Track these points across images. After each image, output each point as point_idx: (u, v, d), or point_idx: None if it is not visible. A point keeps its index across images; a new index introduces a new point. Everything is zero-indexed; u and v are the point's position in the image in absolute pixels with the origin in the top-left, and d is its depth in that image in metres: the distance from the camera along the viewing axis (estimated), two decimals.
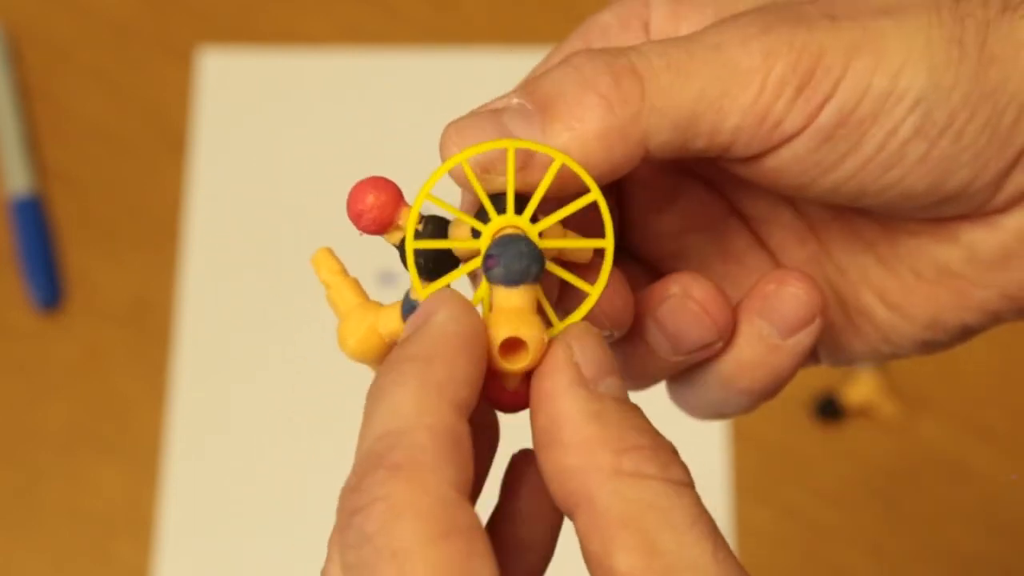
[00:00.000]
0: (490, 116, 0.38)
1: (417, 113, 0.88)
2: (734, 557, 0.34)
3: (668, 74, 0.38)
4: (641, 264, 0.45)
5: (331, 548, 0.35)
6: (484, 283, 0.37)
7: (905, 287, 0.43)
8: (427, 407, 0.33)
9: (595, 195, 0.37)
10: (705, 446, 0.81)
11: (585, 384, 0.35)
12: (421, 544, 0.32)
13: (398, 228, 0.38)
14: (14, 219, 0.87)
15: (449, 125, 0.38)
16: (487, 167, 0.37)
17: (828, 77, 0.38)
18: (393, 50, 0.91)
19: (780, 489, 0.81)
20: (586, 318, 0.37)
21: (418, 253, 0.37)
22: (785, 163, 0.39)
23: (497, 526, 0.37)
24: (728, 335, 0.41)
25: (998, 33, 0.38)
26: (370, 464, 0.33)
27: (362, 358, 0.38)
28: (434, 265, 0.38)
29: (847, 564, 0.79)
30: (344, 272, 0.39)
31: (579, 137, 0.37)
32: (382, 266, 0.80)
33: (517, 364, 0.36)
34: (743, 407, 0.43)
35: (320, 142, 0.88)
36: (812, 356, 0.45)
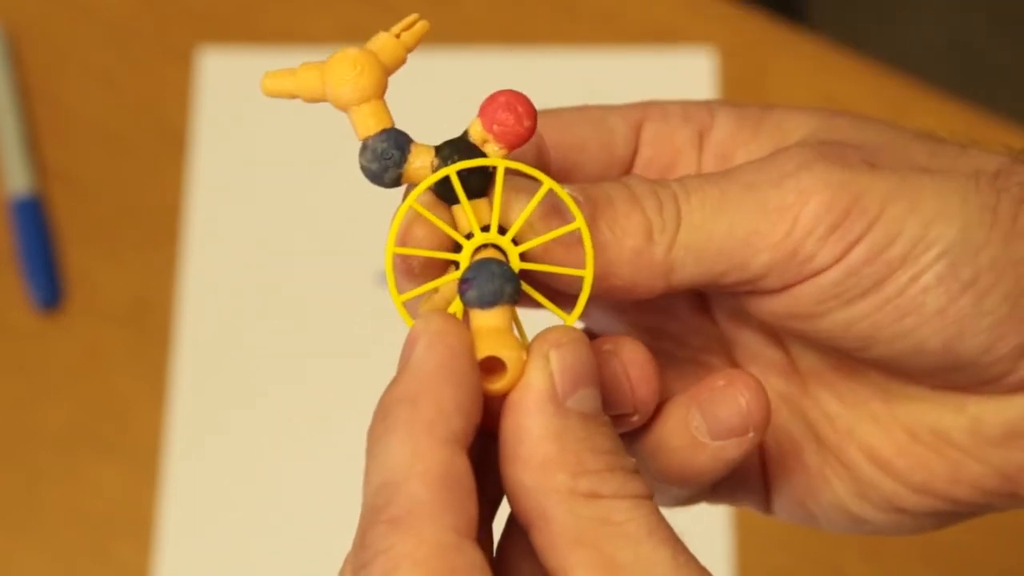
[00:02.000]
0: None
1: (417, 113, 0.88)
2: (696, 561, 0.34)
3: (701, 212, 0.38)
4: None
5: None
6: (457, 300, 0.37)
7: (897, 447, 0.42)
8: (419, 453, 0.33)
9: (579, 223, 0.37)
10: None
11: (554, 399, 0.35)
12: None
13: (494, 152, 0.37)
14: (14, 219, 0.87)
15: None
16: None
17: (863, 218, 0.38)
18: None
19: None
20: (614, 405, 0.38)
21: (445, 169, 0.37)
22: (806, 294, 0.39)
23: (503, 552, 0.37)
24: (645, 411, 0.40)
25: None
26: (371, 519, 0.34)
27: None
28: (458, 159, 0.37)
29: (847, 564, 0.79)
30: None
31: (617, 243, 0.38)
32: (381, 267, 0.79)
33: (497, 384, 0.36)
34: (665, 496, 0.42)
35: (320, 142, 0.88)
36: (764, 505, 0.44)
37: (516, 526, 0.37)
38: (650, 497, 0.35)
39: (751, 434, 0.40)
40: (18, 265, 0.87)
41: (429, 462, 0.33)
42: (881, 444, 0.42)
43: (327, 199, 0.88)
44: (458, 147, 0.37)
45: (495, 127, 0.37)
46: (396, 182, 0.38)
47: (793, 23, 0.93)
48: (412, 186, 0.38)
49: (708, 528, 0.79)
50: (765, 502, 0.45)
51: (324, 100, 0.38)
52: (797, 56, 0.90)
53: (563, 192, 0.37)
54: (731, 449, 0.40)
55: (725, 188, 0.39)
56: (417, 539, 0.33)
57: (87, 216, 0.89)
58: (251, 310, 0.85)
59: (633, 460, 0.36)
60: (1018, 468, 0.41)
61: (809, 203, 0.38)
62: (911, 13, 1.60)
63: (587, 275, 0.37)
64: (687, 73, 0.89)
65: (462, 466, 0.34)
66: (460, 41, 0.91)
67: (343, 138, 0.40)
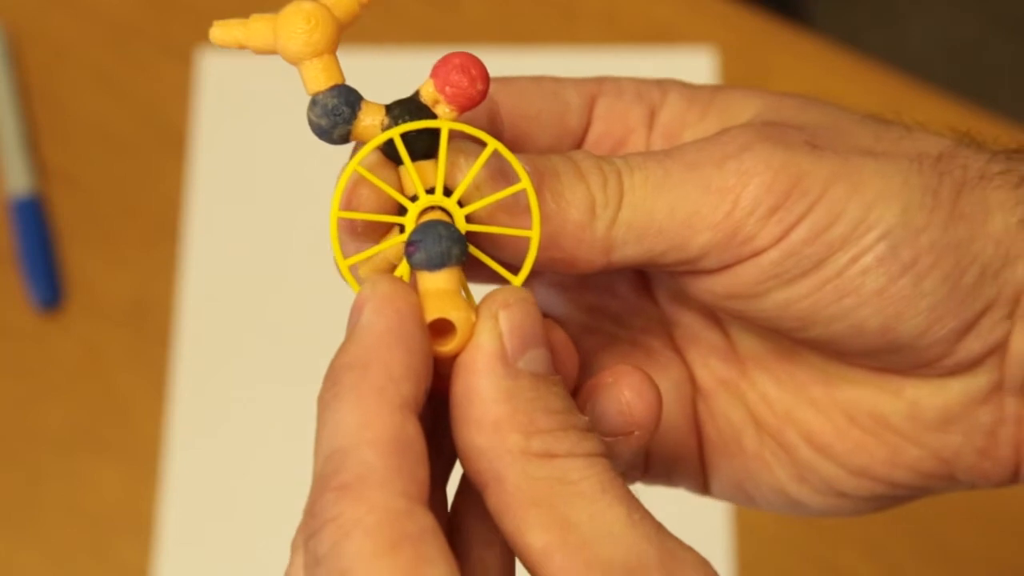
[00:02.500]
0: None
1: None
2: (651, 518, 0.34)
3: (643, 190, 0.38)
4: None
5: (293, 554, 0.35)
6: (404, 263, 0.37)
7: (836, 430, 0.42)
8: (369, 419, 0.33)
9: (525, 184, 0.37)
10: None
11: (504, 359, 0.35)
12: (368, 560, 0.32)
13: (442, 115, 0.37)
14: (14, 219, 0.87)
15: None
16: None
17: (804, 199, 0.38)
18: (393, 50, 0.91)
19: None
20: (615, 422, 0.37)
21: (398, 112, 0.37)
22: (746, 274, 0.39)
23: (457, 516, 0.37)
24: (647, 429, 0.39)
25: (971, 196, 0.39)
26: (321, 487, 0.33)
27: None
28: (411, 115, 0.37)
29: (846, 564, 0.79)
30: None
31: (560, 215, 0.38)
32: None
33: (447, 346, 0.35)
34: None
35: (320, 142, 0.88)
36: (701, 487, 0.44)
37: (469, 488, 0.37)
38: (604, 455, 0.35)
39: (636, 433, 0.39)
40: (18, 265, 0.87)
41: (379, 428, 0.33)
42: (820, 428, 0.42)
43: (327, 199, 0.88)
44: (408, 107, 0.37)
45: (448, 89, 0.37)
46: (344, 139, 0.37)
47: (793, 23, 0.93)
48: (360, 145, 0.38)
49: (708, 528, 0.79)
50: (702, 484, 0.45)
51: (274, 53, 0.37)
52: (797, 56, 0.90)
53: (508, 153, 0.37)
54: (620, 445, 0.39)
55: (668, 167, 0.39)
56: (367, 505, 0.32)
57: (87, 216, 0.89)
58: (251, 310, 0.85)
59: (586, 419, 0.36)
60: (954, 452, 0.41)
61: (750, 184, 0.38)
62: (911, 13, 1.60)
63: (534, 236, 0.37)
64: (687, 73, 0.89)
65: (412, 431, 0.34)
66: (460, 41, 0.91)
67: None
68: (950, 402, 0.41)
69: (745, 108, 0.42)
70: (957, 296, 0.39)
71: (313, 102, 0.37)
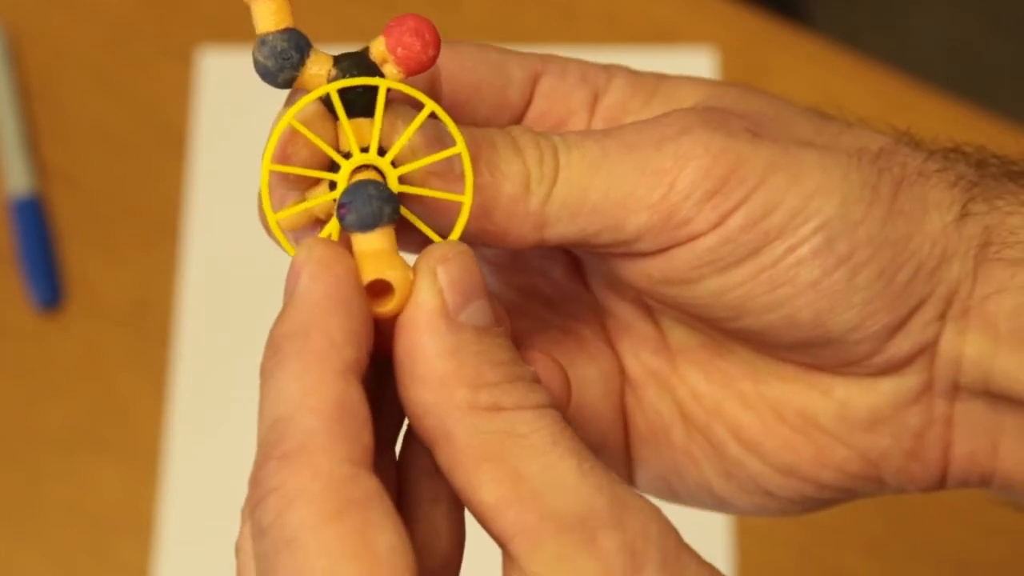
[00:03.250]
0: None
1: None
2: (602, 467, 0.34)
3: (580, 168, 0.38)
4: None
5: (243, 524, 0.35)
6: (333, 220, 0.36)
7: (764, 427, 0.42)
8: (310, 386, 0.33)
9: (460, 148, 0.37)
10: None
11: (445, 314, 0.35)
12: (313, 527, 0.32)
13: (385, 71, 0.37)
14: (14, 219, 0.87)
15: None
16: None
17: (742, 186, 0.38)
18: None
19: None
20: None
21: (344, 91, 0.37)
22: (681, 259, 0.39)
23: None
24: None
25: (910, 192, 0.39)
26: (263, 456, 0.33)
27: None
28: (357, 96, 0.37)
29: (845, 563, 0.79)
30: None
31: (494, 187, 0.38)
32: None
33: (386, 307, 0.35)
34: None
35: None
36: (625, 478, 0.44)
37: (412, 446, 0.37)
38: (553, 406, 0.35)
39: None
40: (18, 265, 0.87)
41: (321, 394, 0.33)
42: (748, 424, 0.42)
43: None
44: (356, 62, 0.37)
45: (399, 50, 0.37)
46: (288, 84, 0.37)
47: (793, 23, 0.93)
48: (296, 96, 0.37)
49: (708, 528, 0.79)
50: (627, 476, 0.44)
51: None
52: (797, 56, 0.90)
53: (446, 116, 0.37)
54: None
55: (606, 146, 0.39)
56: (310, 472, 0.32)
57: (87, 216, 0.89)
58: (251, 310, 0.85)
59: (532, 369, 0.36)
60: (882, 453, 0.41)
61: (687, 168, 0.38)
62: (911, 13, 1.60)
63: (466, 200, 0.37)
64: (687, 72, 0.89)
65: (356, 395, 0.33)
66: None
67: None
68: (879, 402, 0.41)
69: (689, 95, 0.41)
70: (891, 292, 0.39)
71: (262, 42, 0.37)
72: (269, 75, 0.37)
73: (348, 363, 0.34)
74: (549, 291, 0.44)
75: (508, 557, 0.33)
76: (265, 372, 0.34)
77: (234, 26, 0.93)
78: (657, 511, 0.34)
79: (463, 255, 0.36)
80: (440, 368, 0.34)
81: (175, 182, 0.89)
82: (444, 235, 0.37)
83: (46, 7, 0.94)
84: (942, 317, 0.39)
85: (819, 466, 0.42)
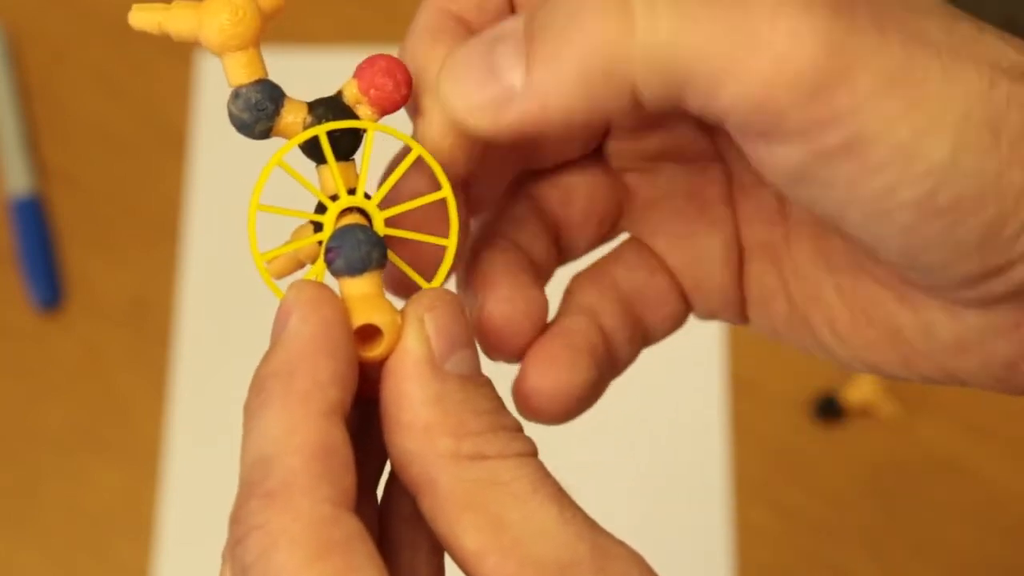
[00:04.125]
0: (484, 55, 0.36)
1: None
2: (583, 515, 0.34)
3: (670, 18, 0.34)
4: (605, 171, 0.43)
5: (223, 565, 0.35)
6: (320, 262, 0.36)
7: (855, 325, 0.41)
8: (294, 426, 0.33)
9: (445, 193, 0.37)
10: (705, 446, 0.81)
11: (431, 362, 0.35)
12: (297, 568, 0.32)
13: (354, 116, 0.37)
14: (14, 219, 0.87)
15: (445, 70, 0.36)
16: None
17: (852, 96, 0.33)
18: (393, 50, 0.91)
19: (780, 489, 0.81)
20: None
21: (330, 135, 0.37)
22: (775, 156, 0.35)
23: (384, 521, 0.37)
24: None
25: None
26: (246, 494, 0.34)
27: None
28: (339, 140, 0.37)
29: (846, 564, 0.79)
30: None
31: (556, 75, 0.34)
32: None
33: (374, 351, 0.35)
34: None
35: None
36: (741, 319, 0.43)
37: (394, 492, 0.37)
38: (534, 454, 0.35)
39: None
40: (18, 265, 0.87)
41: (304, 435, 0.33)
42: (840, 317, 0.41)
43: None
44: (331, 107, 0.37)
45: (372, 91, 0.37)
46: (265, 135, 0.37)
47: None
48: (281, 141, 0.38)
49: (708, 528, 0.79)
50: (741, 317, 0.44)
51: (196, 42, 0.37)
52: None
53: (432, 160, 0.37)
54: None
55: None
56: (293, 513, 0.32)
57: (87, 216, 0.89)
58: (251, 310, 0.85)
59: (515, 419, 0.36)
60: (971, 375, 0.40)
61: (798, 55, 0.33)
62: None
63: (450, 245, 0.37)
64: None
65: (339, 437, 0.33)
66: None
67: None
68: (964, 332, 0.39)
69: None
70: (993, 245, 0.35)
71: (235, 95, 0.37)
72: (245, 127, 0.38)
73: (333, 405, 0.34)
74: (678, 150, 0.43)
75: None
76: (249, 410, 0.35)
77: None
78: (639, 558, 0.34)
79: (451, 304, 0.36)
80: (424, 416, 0.34)
81: (175, 182, 0.89)
82: (431, 269, 0.38)
83: (46, 7, 0.94)
84: None
85: (906, 371, 0.41)
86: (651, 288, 0.43)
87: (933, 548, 0.80)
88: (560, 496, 0.34)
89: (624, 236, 0.44)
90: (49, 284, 0.86)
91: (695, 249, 0.42)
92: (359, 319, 0.35)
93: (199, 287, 0.86)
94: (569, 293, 0.42)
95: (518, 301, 0.40)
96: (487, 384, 0.36)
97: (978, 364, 0.39)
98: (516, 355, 0.40)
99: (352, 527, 0.33)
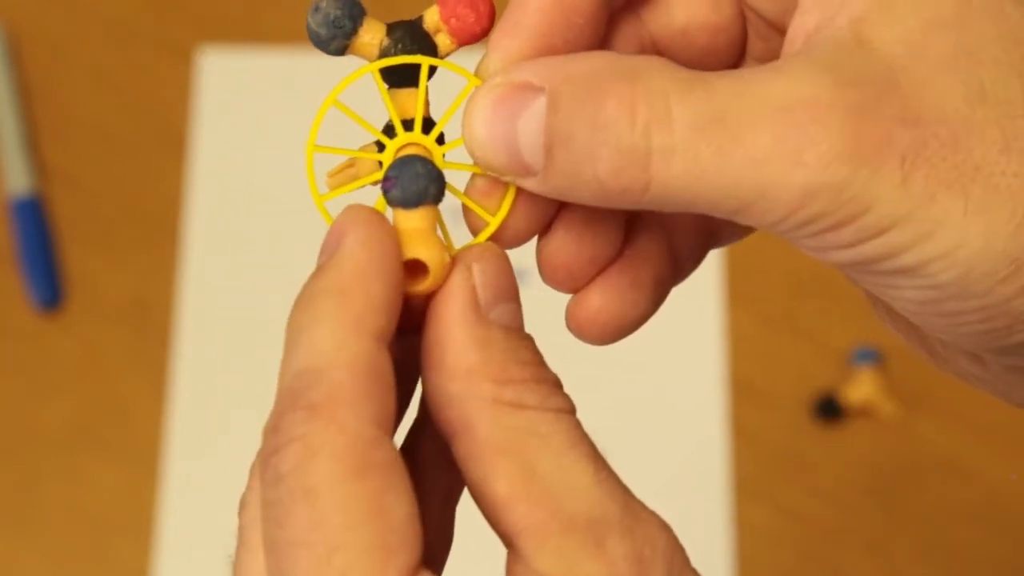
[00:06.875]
0: (508, 120, 0.35)
1: None
2: (617, 478, 0.34)
3: (684, 163, 0.33)
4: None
5: (251, 479, 0.35)
6: (381, 196, 0.36)
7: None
8: (346, 342, 0.33)
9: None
10: (705, 445, 0.81)
11: (477, 309, 0.35)
12: (334, 482, 0.32)
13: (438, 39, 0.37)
14: (14, 219, 0.87)
15: (470, 110, 0.35)
16: None
17: (867, 230, 0.33)
18: None
19: (780, 489, 0.81)
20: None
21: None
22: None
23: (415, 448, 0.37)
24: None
25: None
26: (287, 404, 0.33)
27: None
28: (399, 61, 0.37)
29: (846, 563, 0.79)
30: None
31: (572, 188, 0.35)
32: None
33: (419, 286, 0.35)
34: None
35: (320, 142, 0.88)
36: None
37: (414, 439, 0.37)
38: (573, 412, 0.35)
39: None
40: (18, 265, 0.87)
41: (356, 351, 0.33)
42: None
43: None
44: (410, 31, 0.37)
45: (453, 20, 0.37)
46: (340, 52, 0.37)
47: None
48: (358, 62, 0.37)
49: (708, 528, 0.79)
50: None
51: None
52: None
53: None
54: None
55: (737, 113, 0.33)
56: (337, 428, 0.32)
57: (87, 216, 0.89)
58: (251, 310, 0.85)
59: (556, 376, 0.35)
60: (982, 384, 0.40)
61: (812, 161, 0.32)
62: None
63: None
64: None
65: (386, 362, 0.33)
66: None
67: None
68: (984, 372, 0.38)
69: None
70: (997, 336, 0.35)
71: (316, 8, 0.36)
72: (321, 43, 0.37)
73: (381, 329, 0.34)
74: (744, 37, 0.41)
75: (514, 553, 0.33)
76: (296, 326, 0.34)
77: (234, 26, 0.93)
78: (667, 527, 0.34)
79: (500, 258, 0.36)
80: (467, 359, 0.34)
81: (175, 182, 0.89)
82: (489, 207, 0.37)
83: (46, 7, 0.94)
84: None
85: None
86: None
87: (933, 548, 0.80)
88: (595, 456, 0.34)
89: None
90: (49, 284, 0.86)
91: None
92: (408, 252, 0.35)
93: (199, 287, 0.86)
94: None
95: (585, 242, 0.38)
96: (530, 339, 0.36)
97: (994, 389, 0.40)
98: (578, 288, 0.39)
99: (392, 453, 0.32)
